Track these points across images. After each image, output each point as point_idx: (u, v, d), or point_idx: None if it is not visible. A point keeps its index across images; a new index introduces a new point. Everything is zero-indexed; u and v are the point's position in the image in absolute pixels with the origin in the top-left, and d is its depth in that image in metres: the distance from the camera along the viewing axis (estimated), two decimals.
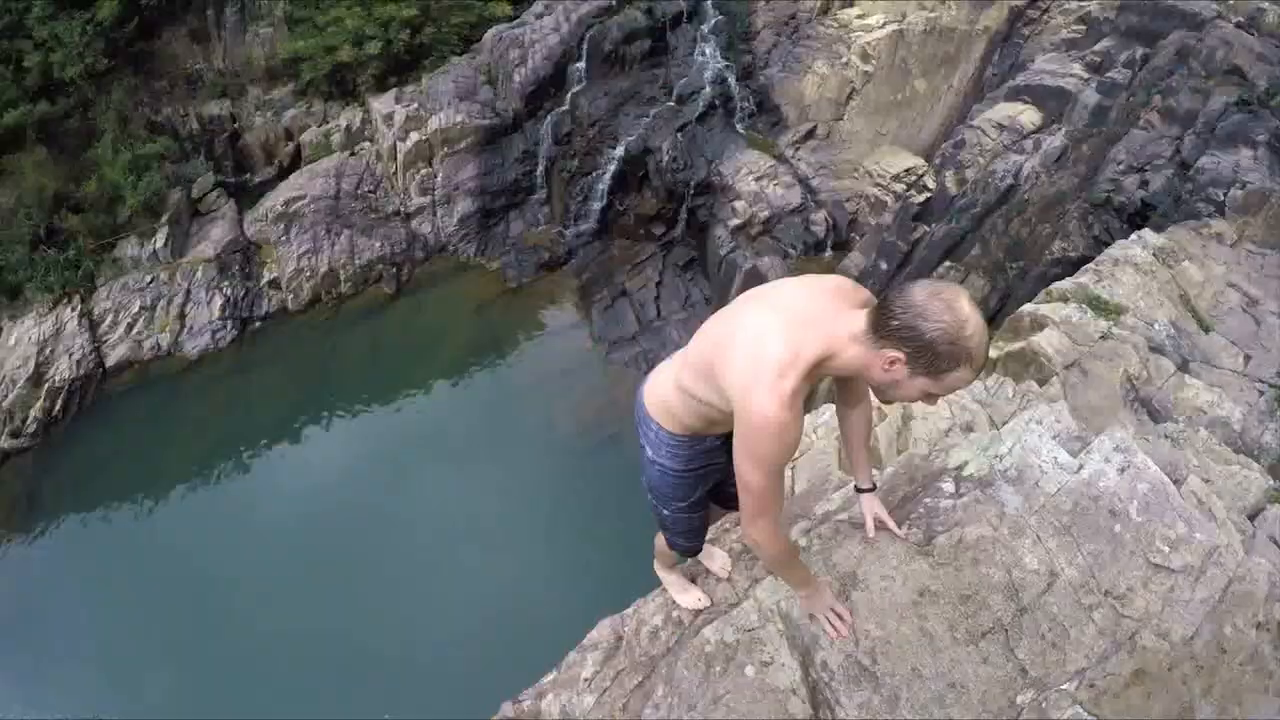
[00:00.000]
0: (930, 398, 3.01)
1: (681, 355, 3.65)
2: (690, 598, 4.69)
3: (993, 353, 10.56)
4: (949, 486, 4.45)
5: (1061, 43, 21.43)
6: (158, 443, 24.68)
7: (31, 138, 26.71)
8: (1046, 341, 9.98)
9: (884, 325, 2.87)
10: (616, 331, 22.78)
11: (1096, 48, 20.48)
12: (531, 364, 23.17)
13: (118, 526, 23.20)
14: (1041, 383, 9.54)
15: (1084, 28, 21.08)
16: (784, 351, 2.96)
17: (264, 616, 19.62)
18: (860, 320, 2.99)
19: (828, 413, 11.30)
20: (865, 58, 23.39)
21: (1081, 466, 4.36)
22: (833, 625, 3.92)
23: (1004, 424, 8.55)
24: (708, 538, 4.75)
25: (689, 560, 4.98)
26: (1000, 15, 21.87)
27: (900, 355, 2.85)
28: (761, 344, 3.01)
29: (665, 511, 4.27)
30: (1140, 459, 4.36)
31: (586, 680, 6.50)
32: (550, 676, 9.01)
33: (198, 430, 24.70)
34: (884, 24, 23.85)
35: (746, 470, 3.12)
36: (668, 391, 3.68)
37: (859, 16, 24.48)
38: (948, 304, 2.77)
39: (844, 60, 23.69)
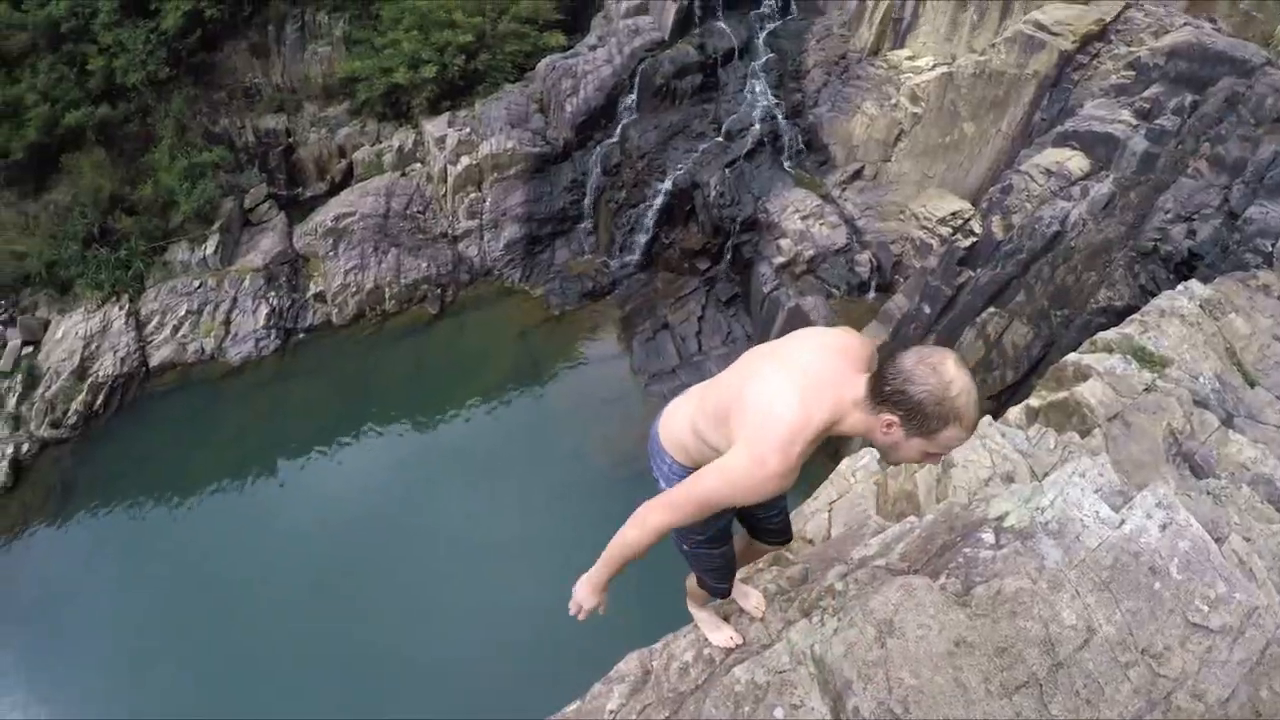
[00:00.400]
0: (930, 457, 3.12)
1: (699, 397, 3.75)
2: (722, 635, 4.71)
3: (1034, 402, 10.48)
4: (989, 537, 4.43)
5: (1111, 88, 21.33)
6: (194, 444, 25.16)
7: (91, 139, 27.60)
8: (1090, 392, 9.82)
9: (879, 391, 3.06)
10: (657, 364, 22.88)
11: (1146, 94, 20.33)
12: (570, 392, 23.27)
13: (148, 522, 23.67)
14: (1084, 434, 9.39)
15: (1133, 74, 20.97)
16: (797, 415, 3.13)
17: (282, 621, 19.88)
18: (861, 386, 3.16)
19: (867, 456, 11.26)
20: (914, 99, 23.47)
21: (1123, 522, 4.32)
22: (576, 607, 4.05)
23: (1045, 475, 8.45)
24: (740, 577, 4.74)
25: (721, 600, 4.95)
26: (1050, 60, 21.81)
27: (895, 419, 3.02)
28: (775, 404, 3.17)
29: (685, 547, 4.31)
30: (1182, 516, 4.32)
31: (612, 712, 6.44)
32: (574, 706, 8.97)
33: (235, 435, 25.12)
34: (934, 66, 23.98)
35: (712, 483, 3.26)
36: (683, 429, 3.79)
37: (909, 58, 24.60)
38: (933, 367, 2.94)
39: (893, 101, 23.78)
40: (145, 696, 19.45)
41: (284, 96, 29.31)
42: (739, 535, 4.57)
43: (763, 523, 4.34)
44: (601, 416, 22.26)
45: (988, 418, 9.97)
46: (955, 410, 2.92)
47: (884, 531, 7.83)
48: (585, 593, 3.98)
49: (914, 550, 5.85)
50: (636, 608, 17.64)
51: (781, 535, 4.59)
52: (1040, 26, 21.90)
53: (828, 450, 19.55)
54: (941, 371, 2.94)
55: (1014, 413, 10.70)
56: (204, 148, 28.07)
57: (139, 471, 24.92)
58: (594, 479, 21.05)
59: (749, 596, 4.77)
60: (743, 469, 3.16)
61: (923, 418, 2.96)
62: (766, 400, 3.21)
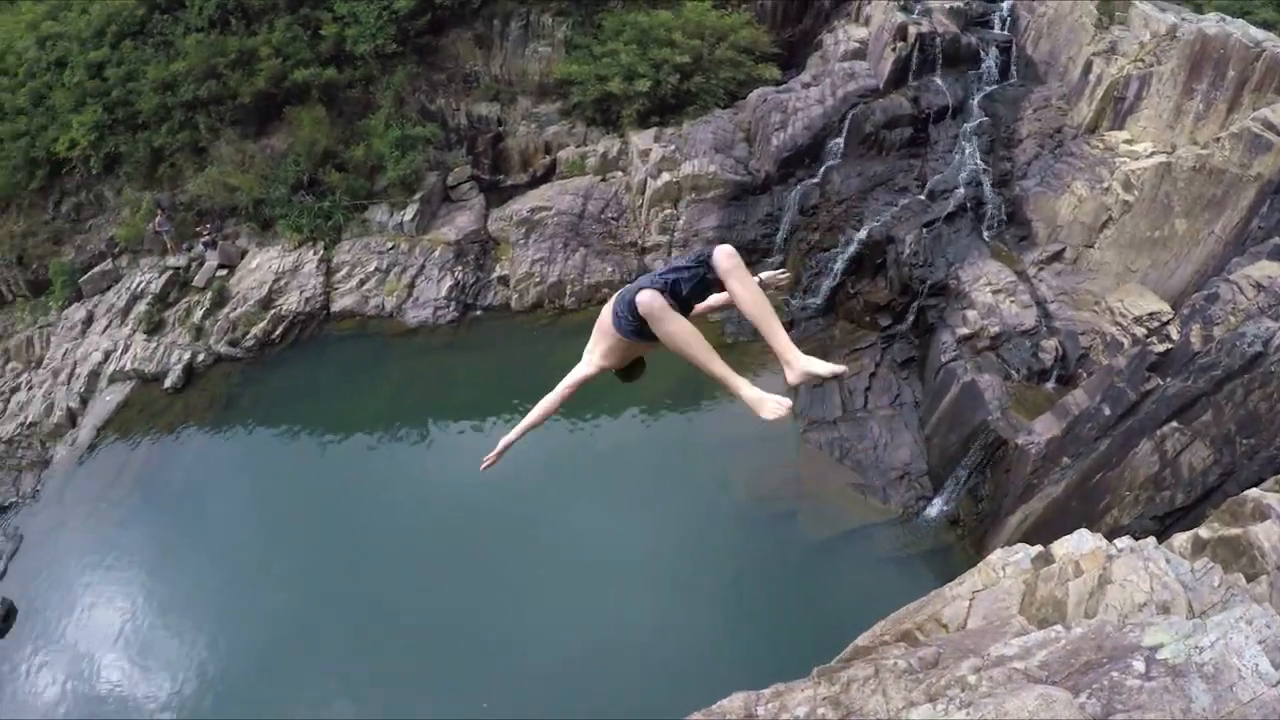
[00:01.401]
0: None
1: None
2: (769, 407, 4.51)
3: (1204, 533, 10.23)
4: (1139, 665, 4.47)
5: None
6: (355, 390, 26.66)
7: (314, 97, 29.67)
8: (1265, 535, 9.47)
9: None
10: (819, 412, 22.85)
11: None
12: (726, 421, 23.20)
13: (294, 448, 25.34)
14: (1250, 577, 9.10)
15: None
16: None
17: (387, 570, 20.90)
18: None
19: (1020, 553, 11.26)
20: (1127, 187, 22.88)
21: None
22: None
23: (1203, 613, 8.34)
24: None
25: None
26: (1275, 163, 20.41)
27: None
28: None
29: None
30: None
31: None
32: None
33: (395, 391, 26.47)
34: (1151, 154, 23.11)
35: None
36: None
37: (1127, 141, 23.90)
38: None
39: (1105, 185, 23.21)
40: (252, 592, 21.24)
41: (500, 87, 30.57)
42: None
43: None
44: (753, 452, 22.28)
45: (1151, 539, 9.89)
46: None
47: (1027, 635, 7.86)
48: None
49: (1056, 661, 5.91)
50: (747, 646, 18.09)
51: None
52: (1269, 126, 20.73)
53: (974, 536, 19.47)
54: None
55: (1180, 540, 10.51)
56: (418, 122, 29.76)
57: (298, 402, 26.62)
58: (732, 511, 21.30)
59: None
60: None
61: None
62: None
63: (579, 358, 5.70)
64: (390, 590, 20.60)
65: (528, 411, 5.92)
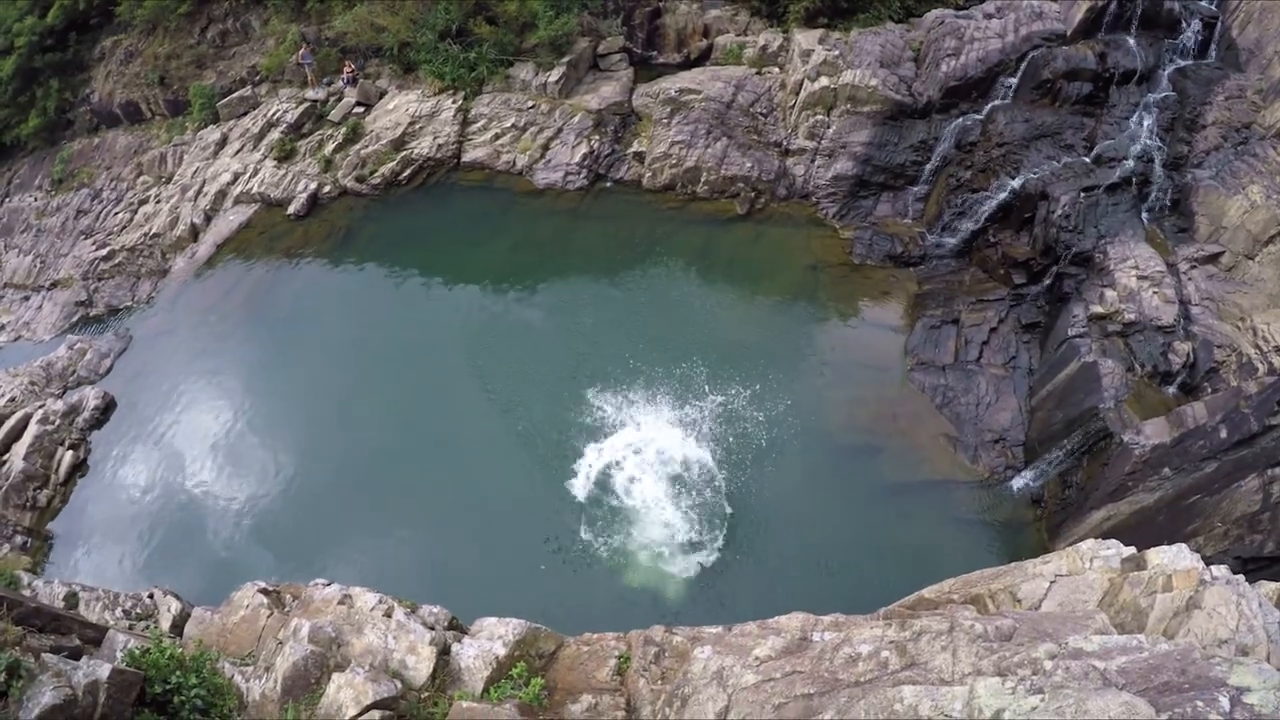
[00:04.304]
0: None
1: None
2: None
3: None
4: (1224, 703, 4.36)
5: None
6: (474, 240, 27.04)
7: None
8: None
9: None
10: (930, 354, 22.32)
11: None
12: (835, 343, 23.07)
13: (404, 288, 26.00)
14: None
15: None
16: None
17: (468, 430, 21.51)
18: None
19: (1114, 548, 11.08)
20: None
21: None
22: None
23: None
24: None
25: None
26: None
27: None
28: None
29: None
30: None
31: (758, 659, 6.61)
32: (714, 629, 9.51)
33: (512, 247, 26.72)
34: None
35: None
36: None
37: None
38: None
39: None
40: (334, 422, 22.37)
41: None
42: None
43: None
44: (854, 380, 22.11)
45: (1242, 577, 9.66)
46: None
47: (1108, 635, 7.78)
48: None
49: (1136, 671, 5.83)
50: (807, 569, 18.29)
51: None
52: None
53: (1052, 522, 19.07)
54: None
55: (1269, 588, 10.04)
56: None
57: (416, 243, 27.15)
58: (820, 431, 21.09)
59: None
60: None
61: None
62: None
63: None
64: (469, 443, 21.21)
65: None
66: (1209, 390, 20.01)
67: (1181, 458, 18.43)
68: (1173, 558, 10.59)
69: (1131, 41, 24.93)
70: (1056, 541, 18.60)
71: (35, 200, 37.33)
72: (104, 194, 35.00)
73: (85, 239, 33.60)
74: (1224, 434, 18.21)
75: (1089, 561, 11.00)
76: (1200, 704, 4.20)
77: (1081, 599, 10.26)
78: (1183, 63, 25.14)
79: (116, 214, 33.62)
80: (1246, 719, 4.15)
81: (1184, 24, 24.96)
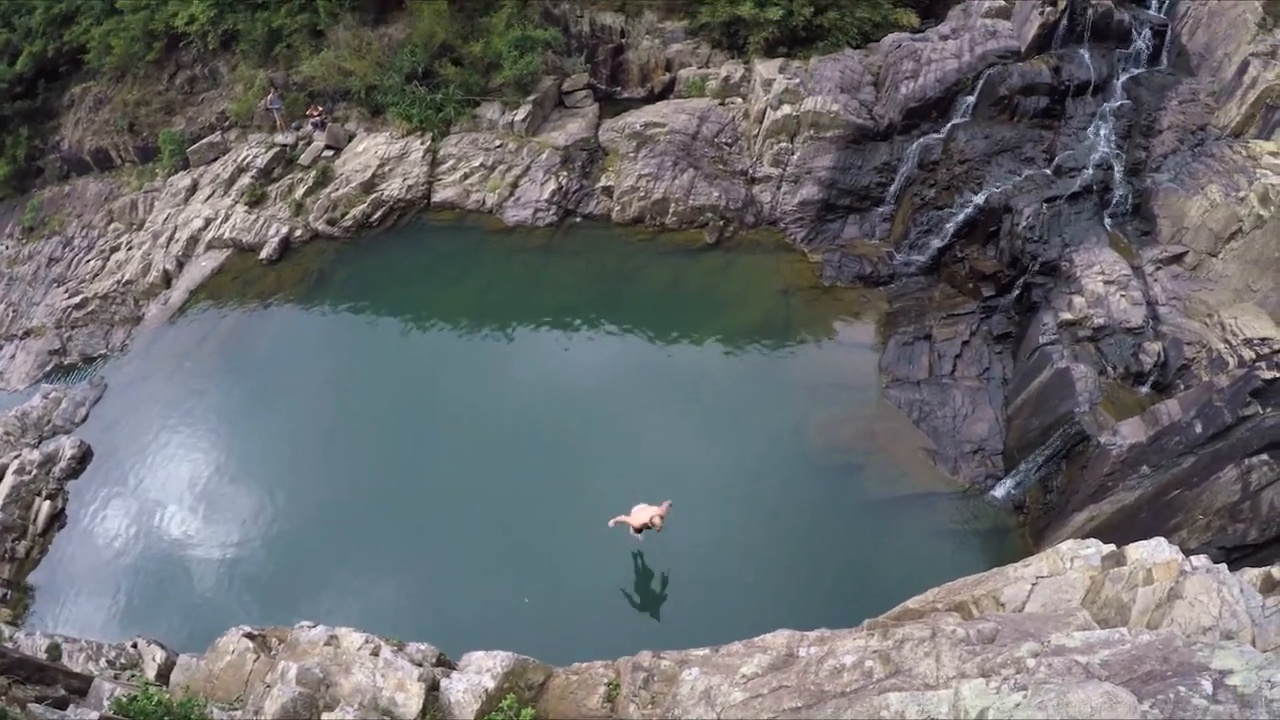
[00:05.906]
0: None
1: None
2: None
3: (1277, 573, 9.90)
4: (1207, 686, 4.43)
5: None
6: (446, 279, 27.15)
7: None
8: None
9: None
10: (905, 370, 22.54)
11: None
12: (810, 365, 23.22)
13: (377, 329, 26.01)
14: None
15: None
16: None
17: (450, 465, 21.44)
18: None
19: (1093, 547, 11.19)
20: (1264, 201, 21.77)
21: None
22: None
23: (1266, 651, 8.27)
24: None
25: None
26: None
27: None
28: None
29: None
30: None
31: (745, 677, 6.66)
32: (701, 651, 9.59)
33: (485, 285, 26.82)
34: None
35: None
36: None
37: (1272, 153, 22.71)
38: None
39: (1240, 195, 22.10)
40: (315, 465, 22.26)
41: None
42: None
43: None
44: (831, 400, 22.22)
45: (1223, 565, 9.77)
46: None
47: (1090, 630, 7.84)
48: None
49: (1119, 663, 5.94)
50: (794, 587, 18.30)
51: None
52: None
53: (1035, 526, 19.28)
54: None
55: (1251, 574, 10.26)
56: (540, 24, 29.50)
57: (388, 284, 27.21)
58: (800, 453, 21.24)
59: None
60: None
61: None
62: None
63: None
64: (448, 480, 21.18)
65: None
66: (1181, 387, 20.34)
67: (1159, 455, 18.66)
68: (1152, 551, 10.71)
69: (1085, 54, 25.39)
70: (1041, 545, 18.67)
71: (6, 249, 37.31)
72: (75, 241, 35.02)
73: (58, 287, 33.54)
74: (1199, 428, 18.51)
75: (1070, 561, 11.10)
76: (1183, 689, 4.29)
77: (1064, 598, 10.35)
78: (1136, 71, 25.60)
79: (88, 261, 33.59)
80: (1229, 700, 4.25)
81: (1135, 33, 25.42)
